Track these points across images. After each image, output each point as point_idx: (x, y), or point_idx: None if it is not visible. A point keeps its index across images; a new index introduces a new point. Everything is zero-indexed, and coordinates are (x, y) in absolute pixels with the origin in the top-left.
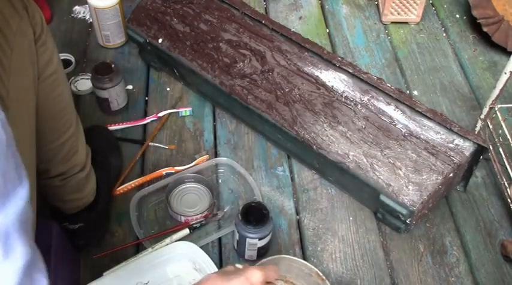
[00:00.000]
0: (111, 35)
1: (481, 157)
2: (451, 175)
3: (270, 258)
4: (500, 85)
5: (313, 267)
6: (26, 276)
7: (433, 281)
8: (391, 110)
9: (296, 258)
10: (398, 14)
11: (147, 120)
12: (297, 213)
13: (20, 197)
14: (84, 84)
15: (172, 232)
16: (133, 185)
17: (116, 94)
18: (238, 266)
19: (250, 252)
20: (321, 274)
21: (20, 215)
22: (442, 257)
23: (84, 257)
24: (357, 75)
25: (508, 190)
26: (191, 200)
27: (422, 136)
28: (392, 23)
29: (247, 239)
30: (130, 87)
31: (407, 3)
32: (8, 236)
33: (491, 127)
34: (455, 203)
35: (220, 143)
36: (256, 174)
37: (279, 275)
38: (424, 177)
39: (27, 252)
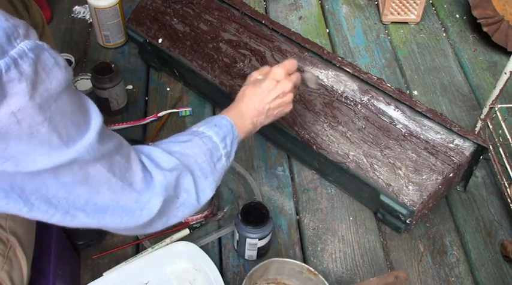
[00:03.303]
0: (111, 35)
1: (481, 157)
2: (451, 175)
3: (260, 264)
4: (500, 85)
5: (303, 264)
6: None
7: (433, 281)
8: (391, 110)
9: (286, 259)
10: (398, 14)
11: (147, 120)
12: (297, 213)
13: (96, 116)
14: (84, 84)
15: (172, 232)
16: None
17: (116, 94)
18: (259, 77)
19: (250, 252)
20: (312, 269)
21: (101, 125)
22: (442, 257)
23: (84, 257)
24: (357, 75)
25: (508, 190)
26: None
27: (422, 136)
28: (392, 23)
29: (247, 239)
30: (130, 87)
31: (407, 3)
32: (97, 147)
33: (491, 127)
34: (455, 203)
35: None
36: (256, 174)
37: (270, 278)
38: (424, 177)
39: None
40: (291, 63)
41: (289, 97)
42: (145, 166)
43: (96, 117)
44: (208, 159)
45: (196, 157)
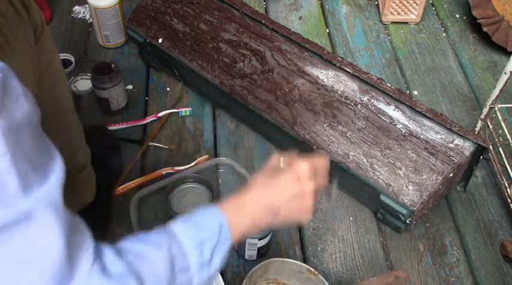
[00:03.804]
0: (111, 35)
1: (481, 157)
2: (451, 175)
3: (260, 264)
4: (500, 85)
5: (303, 264)
6: (71, 238)
7: (433, 281)
8: (391, 110)
9: (285, 259)
10: (398, 14)
11: (147, 120)
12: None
13: (59, 168)
14: (84, 84)
15: None
16: (133, 185)
17: (116, 94)
18: (281, 165)
19: (250, 252)
20: (312, 269)
21: (61, 182)
22: (442, 257)
23: None
24: (357, 75)
25: (508, 190)
26: (191, 200)
27: (422, 136)
28: (392, 23)
29: (247, 239)
30: (130, 87)
31: (407, 3)
32: (55, 202)
33: (491, 127)
34: (455, 203)
35: (220, 143)
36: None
37: (270, 278)
38: (424, 177)
39: (67, 216)
40: (321, 161)
41: (308, 202)
42: (91, 264)
43: (59, 169)
44: (167, 268)
45: (155, 263)
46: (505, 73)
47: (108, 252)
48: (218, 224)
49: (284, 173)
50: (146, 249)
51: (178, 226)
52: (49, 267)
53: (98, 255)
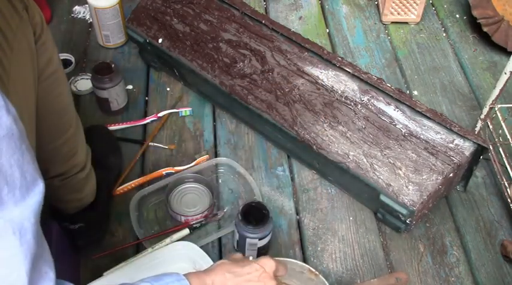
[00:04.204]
0: (111, 35)
1: (481, 157)
2: (451, 175)
3: None
4: (500, 85)
5: (304, 264)
6: (34, 268)
7: (433, 281)
8: (391, 110)
9: (286, 259)
10: (398, 14)
11: (147, 120)
12: (297, 213)
13: (38, 191)
14: (84, 84)
15: (172, 232)
16: (133, 185)
17: (116, 94)
18: (250, 258)
19: (250, 252)
20: (313, 270)
21: (37, 208)
22: (442, 257)
23: (84, 257)
24: (357, 75)
25: (508, 190)
26: (191, 200)
27: (422, 136)
28: (392, 23)
29: (247, 239)
30: (130, 87)
31: (407, 3)
32: (25, 229)
33: (491, 127)
34: (455, 203)
35: (220, 143)
36: (256, 174)
37: None
38: (424, 177)
39: (36, 244)
40: (284, 266)
41: None
42: None
43: (38, 193)
44: None
45: None
46: (505, 73)
47: None
48: None
49: (249, 263)
50: None
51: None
52: None
53: None
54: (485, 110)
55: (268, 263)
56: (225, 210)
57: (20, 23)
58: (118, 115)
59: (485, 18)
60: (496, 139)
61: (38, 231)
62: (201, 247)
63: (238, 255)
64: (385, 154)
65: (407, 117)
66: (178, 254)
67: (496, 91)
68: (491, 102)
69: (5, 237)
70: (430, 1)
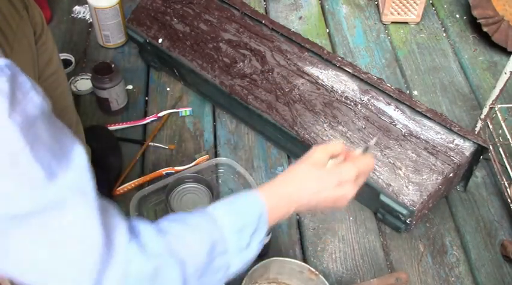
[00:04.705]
0: (111, 35)
1: (481, 157)
2: (451, 175)
3: (260, 263)
4: (500, 85)
5: (304, 264)
6: (105, 221)
7: (433, 281)
8: (391, 110)
9: (286, 259)
10: (398, 14)
11: (147, 120)
12: (297, 213)
13: (79, 150)
14: (84, 84)
15: None
16: (133, 185)
17: (116, 94)
18: (331, 162)
19: None
20: (313, 270)
21: (86, 164)
22: (442, 257)
23: None
24: (357, 75)
25: (508, 190)
26: (191, 200)
27: (422, 136)
28: (392, 23)
29: None
30: (130, 87)
31: (407, 3)
32: (84, 188)
33: (491, 127)
34: (455, 203)
35: (220, 143)
36: (256, 174)
37: (270, 278)
38: (424, 177)
39: (98, 199)
40: (369, 165)
41: (345, 201)
42: (128, 243)
43: (80, 153)
44: (207, 252)
45: (194, 247)
46: (505, 73)
47: (147, 232)
48: (258, 213)
49: (329, 173)
50: (187, 232)
51: (219, 211)
52: (88, 250)
53: (135, 235)
54: (485, 110)
55: (348, 173)
56: None
57: (20, 22)
58: (118, 115)
59: (485, 18)
60: (496, 139)
61: (95, 187)
62: None
63: (318, 155)
64: (385, 154)
65: (407, 117)
66: None
67: (496, 91)
68: (491, 102)
69: (70, 200)
70: (430, 1)
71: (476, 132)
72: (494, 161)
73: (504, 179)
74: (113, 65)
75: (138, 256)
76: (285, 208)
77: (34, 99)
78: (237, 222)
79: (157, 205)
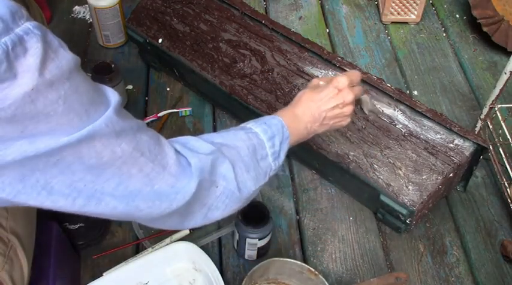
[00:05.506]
0: (111, 35)
1: (481, 157)
2: (451, 175)
3: (260, 264)
4: (500, 85)
5: (304, 264)
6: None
7: (433, 281)
8: (391, 110)
9: (286, 259)
10: (398, 14)
11: (147, 120)
12: (297, 213)
13: (111, 92)
14: None
15: (172, 232)
16: None
17: None
18: (321, 83)
19: (250, 252)
20: (312, 270)
21: (120, 103)
22: (442, 257)
23: (84, 257)
24: None
25: (508, 190)
26: None
27: (422, 136)
28: (392, 23)
29: (247, 239)
30: (130, 87)
31: (407, 3)
32: (119, 126)
33: (491, 127)
34: (455, 203)
35: None
36: None
37: (270, 278)
38: (424, 177)
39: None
40: (355, 74)
41: (349, 109)
42: (178, 151)
43: (113, 95)
44: (251, 154)
45: (239, 149)
46: (505, 73)
47: (192, 140)
48: (281, 125)
49: (326, 87)
50: (229, 139)
51: (250, 124)
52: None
53: (181, 145)
54: (485, 110)
55: (340, 81)
56: None
57: None
58: None
59: (485, 18)
60: (496, 139)
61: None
62: (201, 247)
63: (315, 82)
64: (385, 154)
65: (407, 117)
66: (178, 254)
67: (496, 91)
68: (491, 102)
69: (124, 137)
70: (430, 1)
71: (476, 132)
72: (494, 161)
73: (504, 179)
74: (112, 65)
75: (196, 156)
76: (301, 126)
77: (65, 55)
78: (267, 131)
79: None
